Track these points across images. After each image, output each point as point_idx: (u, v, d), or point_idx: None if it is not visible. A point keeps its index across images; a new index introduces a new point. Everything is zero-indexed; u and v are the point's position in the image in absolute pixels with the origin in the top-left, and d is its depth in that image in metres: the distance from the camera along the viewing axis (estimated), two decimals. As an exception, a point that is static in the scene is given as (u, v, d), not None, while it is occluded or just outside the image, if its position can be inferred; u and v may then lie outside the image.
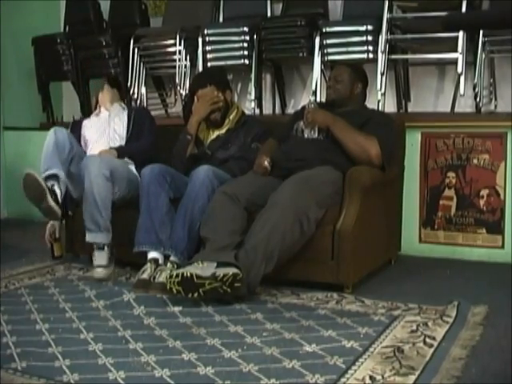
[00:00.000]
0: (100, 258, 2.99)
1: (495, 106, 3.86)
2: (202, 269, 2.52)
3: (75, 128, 3.58)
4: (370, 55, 3.78)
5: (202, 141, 3.34)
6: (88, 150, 3.46)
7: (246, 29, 4.07)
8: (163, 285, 2.66)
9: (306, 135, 3.10)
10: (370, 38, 3.77)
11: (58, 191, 2.93)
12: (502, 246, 3.42)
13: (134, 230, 2.98)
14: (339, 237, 2.75)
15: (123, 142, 3.46)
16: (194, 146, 3.33)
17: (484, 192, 3.45)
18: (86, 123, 3.59)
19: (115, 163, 3.14)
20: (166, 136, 3.54)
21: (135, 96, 4.47)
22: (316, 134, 3.07)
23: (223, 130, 3.34)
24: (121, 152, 3.34)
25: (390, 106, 3.99)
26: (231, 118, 3.34)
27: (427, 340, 2.16)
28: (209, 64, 4.14)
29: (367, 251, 2.92)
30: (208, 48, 4.16)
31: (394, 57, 3.84)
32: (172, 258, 2.88)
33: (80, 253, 3.43)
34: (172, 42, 4.31)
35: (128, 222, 3.03)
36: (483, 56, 3.60)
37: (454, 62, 3.62)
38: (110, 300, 2.66)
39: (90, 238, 3.01)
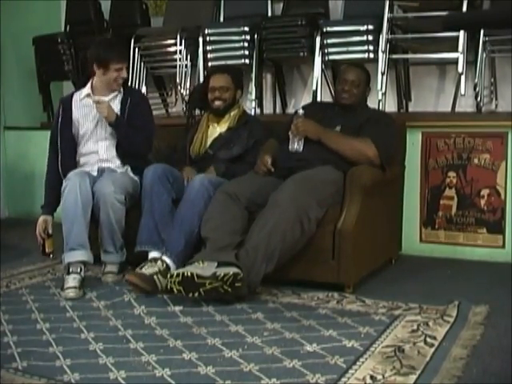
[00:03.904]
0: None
1: (496, 106, 3.86)
2: (203, 268, 2.52)
3: (67, 109, 3.17)
4: (371, 55, 3.78)
5: (202, 142, 3.34)
6: (83, 142, 3.14)
7: (246, 28, 4.07)
8: (146, 276, 2.69)
9: (289, 148, 3.00)
10: (370, 37, 3.77)
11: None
12: (503, 246, 3.41)
13: (132, 229, 2.98)
14: (340, 236, 2.75)
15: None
16: (196, 148, 3.34)
17: (485, 192, 3.45)
18: (76, 104, 3.18)
19: (126, 184, 3.04)
20: (166, 136, 3.55)
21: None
22: (301, 148, 2.99)
23: (224, 128, 3.33)
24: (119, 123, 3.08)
25: (391, 106, 3.99)
26: (232, 114, 3.34)
27: (428, 340, 2.16)
28: (209, 64, 4.14)
29: (368, 251, 2.92)
30: (209, 48, 4.16)
31: (394, 56, 3.84)
32: (166, 260, 2.82)
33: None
34: (173, 41, 4.31)
35: (128, 222, 3.02)
36: (484, 56, 3.60)
37: (455, 61, 3.61)
38: (111, 300, 2.66)
39: (105, 258, 3.02)
